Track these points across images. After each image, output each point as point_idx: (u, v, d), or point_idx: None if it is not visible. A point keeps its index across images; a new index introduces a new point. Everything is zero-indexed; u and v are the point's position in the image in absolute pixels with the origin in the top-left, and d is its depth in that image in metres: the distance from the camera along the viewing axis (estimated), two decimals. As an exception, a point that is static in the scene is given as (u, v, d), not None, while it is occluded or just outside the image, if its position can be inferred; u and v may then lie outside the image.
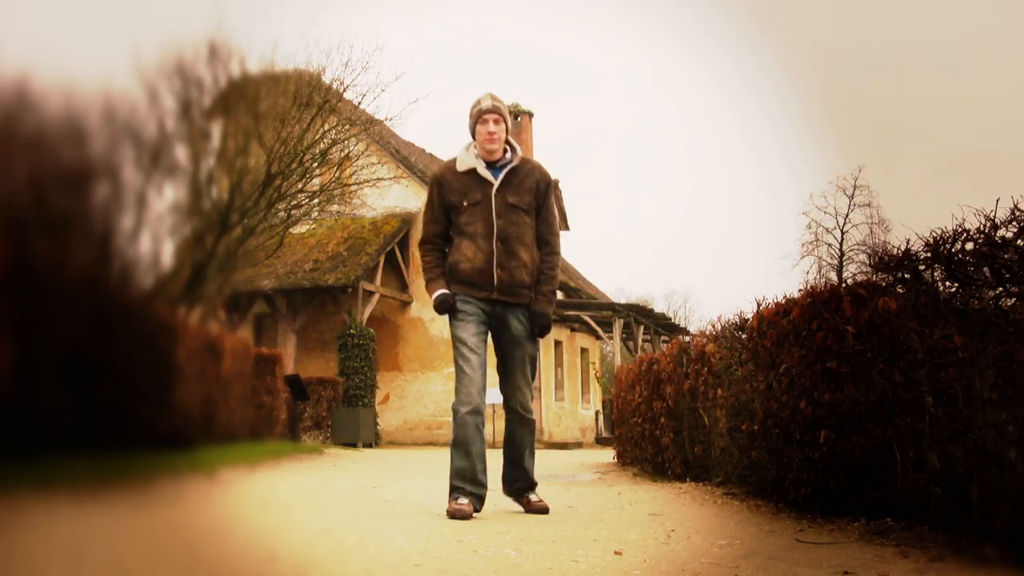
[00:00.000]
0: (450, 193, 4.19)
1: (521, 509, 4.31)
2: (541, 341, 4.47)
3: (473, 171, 4.17)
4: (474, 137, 4.24)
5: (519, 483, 4.33)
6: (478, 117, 4.20)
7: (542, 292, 4.22)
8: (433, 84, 42.66)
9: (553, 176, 4.39)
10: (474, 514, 3.95)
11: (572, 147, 67.55)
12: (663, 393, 7.12)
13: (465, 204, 4.15)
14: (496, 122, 4.16)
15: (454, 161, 4.26)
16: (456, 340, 4.14)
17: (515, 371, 4.24)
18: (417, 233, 17.33)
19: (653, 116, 74.81)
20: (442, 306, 4.16)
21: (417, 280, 17.37)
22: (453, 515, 3.85)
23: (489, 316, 4.17)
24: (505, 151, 4.23)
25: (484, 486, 4.09)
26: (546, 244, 4.26)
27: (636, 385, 8.29)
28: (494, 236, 4.10)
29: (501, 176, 4.16)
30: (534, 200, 4.20)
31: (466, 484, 4.01)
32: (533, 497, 4.28)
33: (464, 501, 3.96)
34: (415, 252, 17.42)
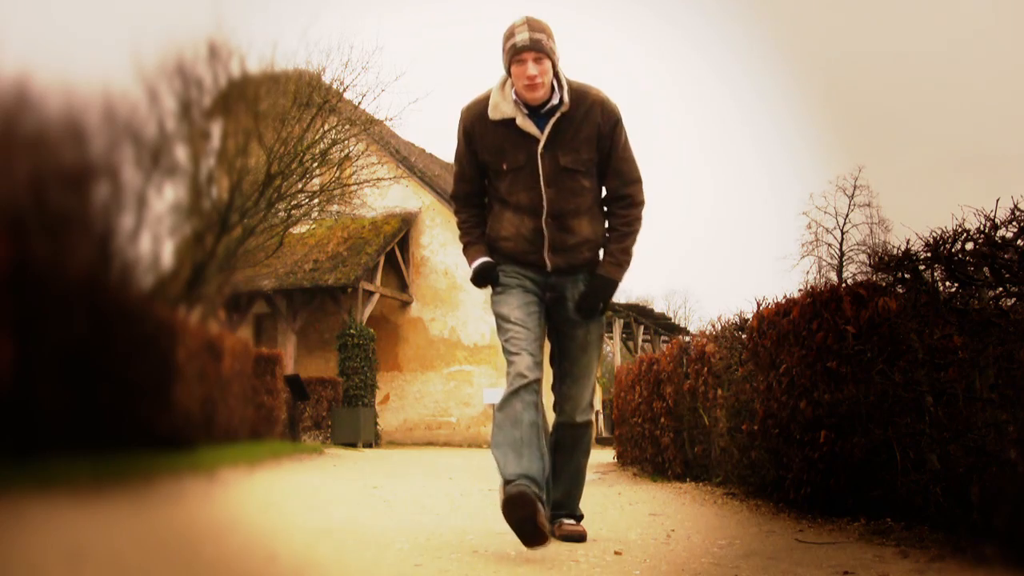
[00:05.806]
0: (483, 151, 3.13)
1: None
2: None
3: (511, 121, 3.07)
4: (509, 75, 3.08)
5: (556, 508, 3.24)
6: (512, 55, 3.01)
7: (610, 252, 3.19)
8: (433, 84, 42.61)
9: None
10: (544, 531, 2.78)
11: (572, 147, 67.47)
12: (663, 393, 7.12)
13: (504, 168, 3.11)
14: (537, 60, 2.98)
15: (485, 102, 3.13)
16: (499, 318, 3.14)
17: (570, 360, 3.23)
18: (418, 233, 17.36)
19: (653, 116, 74.88)
20: (481, 276, 3.18)
21: (417, 280, 17.39)
22: (520, 526, 2.77)
23: (542, 286, 3.18)
24: (552, 89, 3.07)
25: (543, 487, 2.93)
26: (621, 199, 3.21)
27: (636, 385, 8.29)
28: (543, 212, 3.10)
29: (549, 127, 3.06)
30: (595, 153, 3.11)
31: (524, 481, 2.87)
32: (568, 521, 3.24)
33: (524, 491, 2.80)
34: (415, 252, 17.42)
